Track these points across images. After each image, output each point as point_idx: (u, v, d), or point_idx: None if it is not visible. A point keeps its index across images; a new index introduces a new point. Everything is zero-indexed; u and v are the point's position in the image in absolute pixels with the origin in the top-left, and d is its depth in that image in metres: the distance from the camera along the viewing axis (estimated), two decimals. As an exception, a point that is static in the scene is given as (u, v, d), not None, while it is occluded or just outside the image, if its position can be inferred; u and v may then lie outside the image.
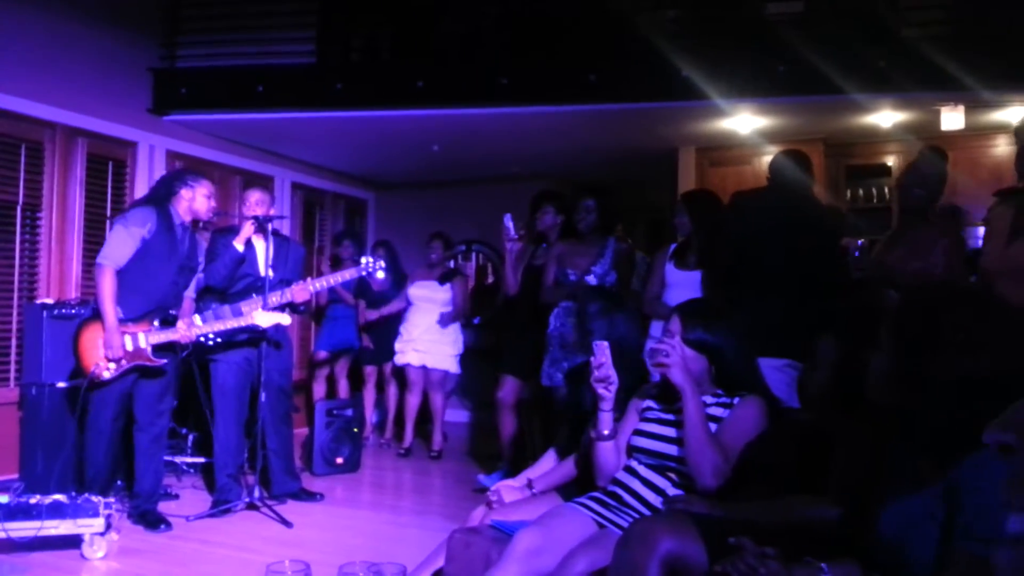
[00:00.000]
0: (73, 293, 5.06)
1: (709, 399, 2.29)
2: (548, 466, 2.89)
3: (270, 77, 5.49)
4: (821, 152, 5.51)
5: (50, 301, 4.64)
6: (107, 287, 3.73)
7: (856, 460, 1.79)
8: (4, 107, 4.74)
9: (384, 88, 5.38)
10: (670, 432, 2.27)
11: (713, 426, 2.21)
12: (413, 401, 5.96)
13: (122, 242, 3.79)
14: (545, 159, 6.60)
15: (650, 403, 2.41)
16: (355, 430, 5.28)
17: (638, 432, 2.35)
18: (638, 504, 2.24)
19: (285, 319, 4.07)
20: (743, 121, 5.31)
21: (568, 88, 4.98)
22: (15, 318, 4.80)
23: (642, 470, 2.28)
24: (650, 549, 1.74)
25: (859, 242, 3.55)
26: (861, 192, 5.95)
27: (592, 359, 2.35)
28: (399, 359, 5.89)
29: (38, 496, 3.37)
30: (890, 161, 5.77)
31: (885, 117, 5.19)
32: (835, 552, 1.60)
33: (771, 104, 4.98)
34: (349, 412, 5.28)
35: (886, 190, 5.78)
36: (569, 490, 2.59)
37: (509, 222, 4.48)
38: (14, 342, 4.79)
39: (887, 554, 1.47)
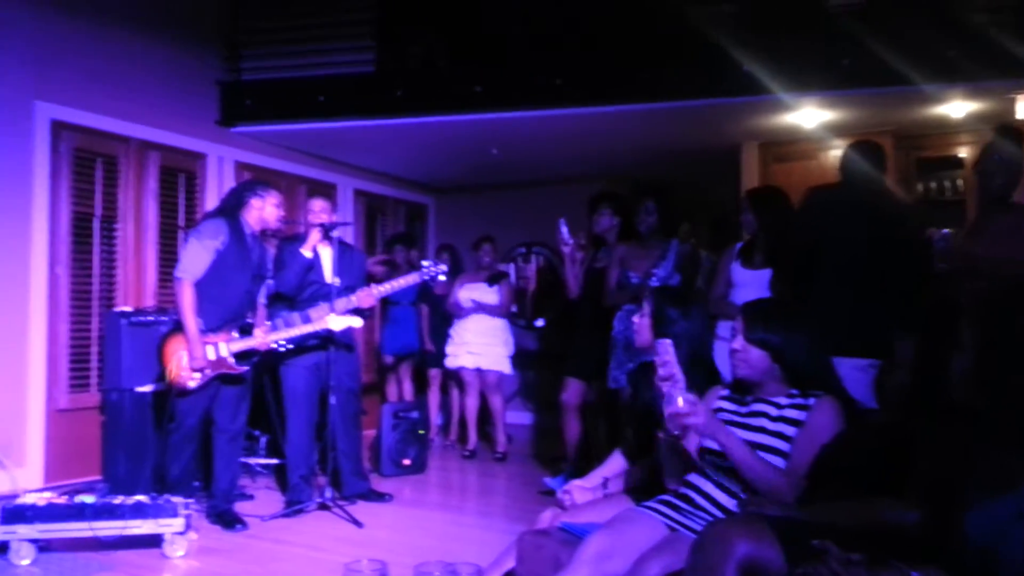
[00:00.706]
0: (149, 301, 5.25)
1: (783, 400, 2.26)
2: (616, 467, 2.88)
3: (331, 87, 5.60)
4: (891, 145, 5.34)
5: (128, 309, 4.83)
6: (187, 300, 3.86)
7: (939, 462, 1.74)
8: (81, 123, 4.95)
9: (442, 94, 5.44)
10: (742, 434, 2.24)
11: (791, 429, 2.17)
12: (471, 403, 6.01)
13: (197, 255, 3.92)
14: (603, 159, 6.58)
15: (721, 404, 2.38)
16: (421, 432, 5.36)
17: (709, 434, 2.32)
18: (710, 507, 2.22)
19: (357, 321, 4.16)
20: (808, 115, 5.20)
21: (626, 87, 4.95)
22: (95, 326, 5.00)
23: (714, 472, 2.26)
24: (726, 552, 1.72)
25: (943, 232, 3.42)
26: (933, 185, 5.76)
27: (656, 358, 2.33)
28: (451, 362, 5.95)
29: (121, 497, 3.52)
30: (963, 153, 5.56)
31: (956, 107, 5.01)
32: (920, 557, 1.56)
33: (837, 97, 4.86)
34: (415, 414, 5.35)
35: (959, 183, 5.58)
36: (639, 493, 2.58)
37: (564, 227, 4.49)
38: (95, 349, 4.99)
39: (976, 558, 1.43)
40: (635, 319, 2.85)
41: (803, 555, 1.70)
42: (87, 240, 5.02)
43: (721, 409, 2.37)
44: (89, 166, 5.03)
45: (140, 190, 5.31)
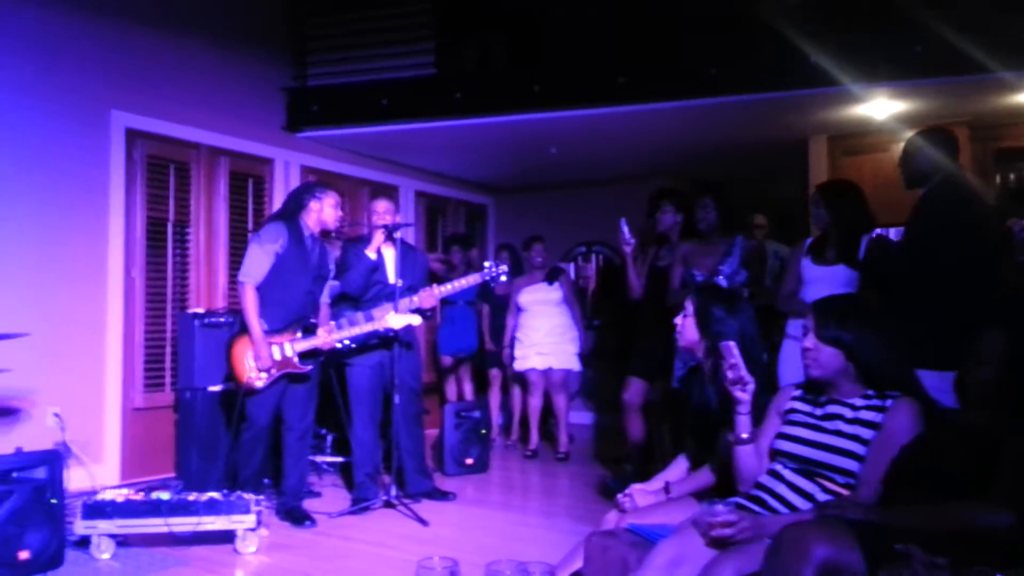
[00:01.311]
0: (221, 303, 5.40)
1: (858, 401, 2.18)
2: (680, 471, 2.84)
3: (393, 90, 5.68)
4: (967, 136, 5.14)
5: (200, 311, 4.97)
6: (250, 303, 3.96)
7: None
8: (154, 131, 5.13)
9: (501, 94, 5.45)
10: (817, 436, 2.17)
11: (868, 432, 2.10)
12: (535, 403, 6.00)
13: (258, 259, 4.01)
14: (665, 156, 6.51)
15: (794, 404, 2.32)
16: (483, 432, 5.38)
17: (782, 436, 2.26)
18: (784, 509, 2.16)
19: (415, 319, 4.19)
20: (879, 106, 5.05)
21: (689, 82, 4.88)
22: (169, 327, 5.17)
23: (787, 474, 2.20)
24: (804, 556, 1.67)
25: None
26: (1012, 176, 5.52)
27: (723, 361, 2.29)
28: (519, 365, 5.95)
29: (195, 493, 3.61)
30: (1043, 142, 5.33)
31: (1036, 95, 4.80)
32: (1008, 561, 1.50)
33: (909, 87, 4.70)
34: (476, 414, 5.38)
35: (1041, 173, 5.35)
36: (707, 495, 2.53)
37: (625, 226, 4.45)
38: (168, 350, 5.15)
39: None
40: (678, 319, 2.78)
41: (885, 559, 1.65)
42: (161, 244, 5.19)
43: (794, 410, 2.31)
44: (162, 172, 5.20)
45: (211, 195, 5.47)
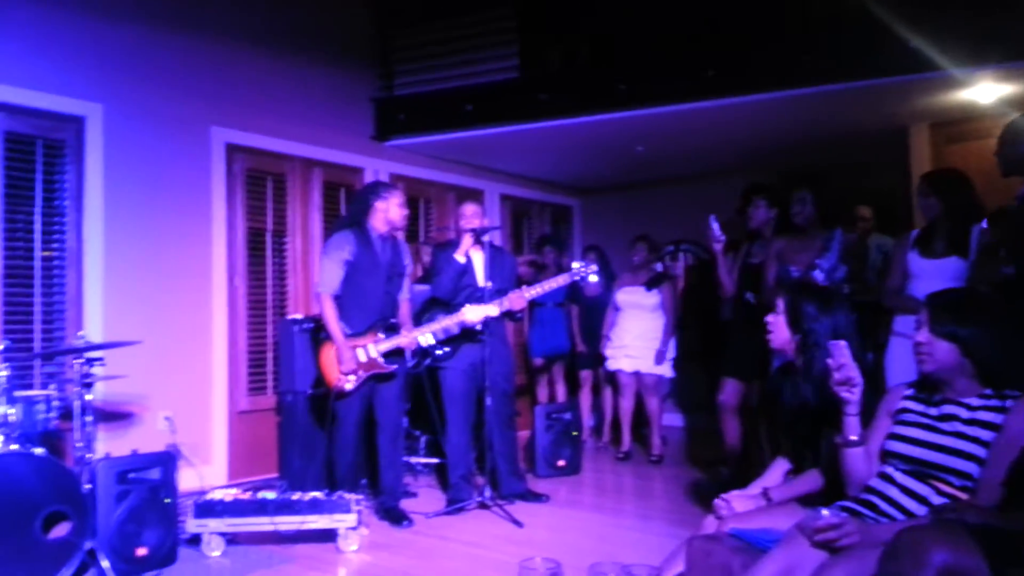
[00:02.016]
0: (317, 309, 5.55)
1: (974, 400, 2.07)
2: (779, 474, 2.75)
3: (477, 95, 5.74)
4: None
5: (299, 316, 5.14)
6: (329, 311, 4.09)
7: None
8: (252, 144, 5.34)
9: (585, 94, 5.43)
10: (933, 437, 2.08)
11: (988, 433, 1.99)
12: (627, 405, 5.94)
13: (329, 270, 4.13)
14: (755, 149, 6.34)
15: (906, 404, 2.22)
16: (574, 433, 5.36)
17: (893, 436, 2.17)
18: (897, 513, 2.07)
19: (492, 310, 4.21)
20: (984, 90, 4.78)
21: (781, 73, 4.74)
22: (270, 333, 5.36)
23: (899, 477, 2.11)
24: (922, 561, 1.60)
25: None
26: None
27: (831, 361, 2.21)
28: (611, 365, 5.91)
29: (298, 493, 3.73)
30: None
31: None
32: None
33: (1016, 69, 4.44)
34: (567, 416, 5.37)
35: None
36: (814, 499, 2.45)
37: (715, 223, 4.36)
38: (270, 354, 5.35)
39: None
40: (769, 318, 2.69)
41: (1010, 564, 1.56)
42: (260, 253, 5.39)
43: (906, 410, 2.21)
44: (260, 184, 5.40)
45: (306, 205, 5.65)
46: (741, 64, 4.89)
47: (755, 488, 2.68)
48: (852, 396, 2.20)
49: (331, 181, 5.82)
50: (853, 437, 2.22)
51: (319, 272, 4.22)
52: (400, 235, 4.47)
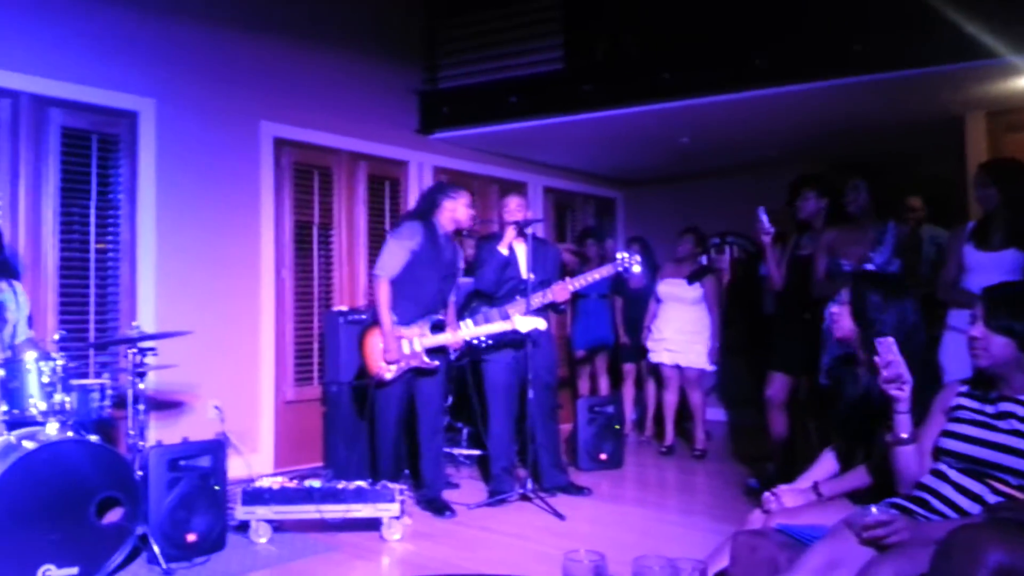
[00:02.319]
0: (361, 301, 5.64)
1: (1032, 397, 2.01)
2: (828, 468, 2.70)
3: (521, 87, 5.72)
4: None
5: (344, 308, 5.21)
6: (383, 296, 4.10)
7: None
8: (299, 139, 5.40)
9: (630, 85, 5.37)
10: (989, 435, 2.01)
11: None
12: (670, 399, 5.89)
13: (394, 254, 4.15)
14: (802, 141, 6.21)
15: (961, 401, 2.16)
16: (616, 427, 5.33)
17: (947, 434, 2.11)
18: (950, 511, 2.01)
19: (541, 323, 4.22)
20: (1046, 78, 4.62)
21: (831, 61, 4.62)
22: (316, 324, 5.44)
23: (953, 474, 2.05)
24: (977, 560, 1.55)
25: None
26: None
27: (877, 358, 2.16)
28: (652, 357, 5.87)
29: (344, 482, 3.78)
30: None
31: None
32: None
33: (1083, 54, 4.27)
34: (610, 409, 5.34)
35: None
36: (863, 496, 2.40)
37: (763, 215, 4.29)
38: (315, 345, 5.43)
39: None
40: (832, 308, 2.64)
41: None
42: (307, 246, 5.47)
43: (961, 407, 2.15)
44: (307, 178, 5.47)
45: (351, 198, 5.71)
46: (790, 52, 4.78)
47: (804, 482, 2.63)
48: (902, 393, 2.15)
49: (376, 174, 5.87)
50: (904, 435, 2.17)
51: (382, 255, 4.22)
52: (463, 239, 4.50)
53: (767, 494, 2.53)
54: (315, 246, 5.51)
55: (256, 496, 3.66)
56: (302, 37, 5.44)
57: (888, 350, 2.13)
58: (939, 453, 2.12)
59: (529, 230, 4.37)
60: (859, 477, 2.47)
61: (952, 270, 3.41)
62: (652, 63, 5.31)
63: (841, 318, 2.56)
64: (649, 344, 5.89)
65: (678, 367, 5.76)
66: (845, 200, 4.11)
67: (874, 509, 1.96)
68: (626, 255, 4.48)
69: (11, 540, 2.88)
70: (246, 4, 5.18)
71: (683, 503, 4.58)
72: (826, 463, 2.73)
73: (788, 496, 2.52)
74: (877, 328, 2.44)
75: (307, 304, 5.45)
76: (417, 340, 4.14)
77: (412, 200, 5.99)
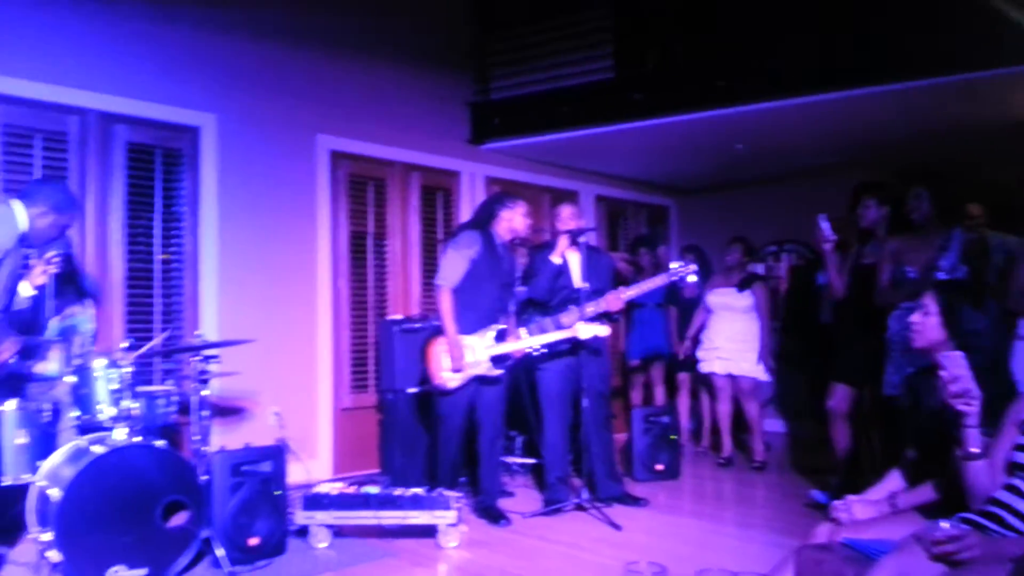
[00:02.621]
0: (415, 309, 5.69)
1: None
2: (894, 486, 2.62)
3: (572, 97, 5.73)
4: None
5: (398, 317, 5.27)
6: (446, 305, 4.13)
7: None
8: (354, 151, 5.50)
9: (683, 92, 5.33)
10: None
11: None
12: (724, 409, 5.80)
13: (454, 264, 4.18)
14: (863, 145, 6.08)
15: (1034, 416, 2.09)
16: (672, 437, 5.28)
17: (1021, 447, 2.04)
18: (1025, 527, 1.95)
19: (603, 330, 4.20)
20: (1121, 78, 4.44)
21: (893, 65, 4.51)
22: (371, 333, 5.51)
23: (1030, 488, 1.99)
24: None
25: None
26: None
27: (944, 373, 2.10)
28: (703, 367, 5.79)
29: (401, 489, 3.82)
30: None
31: None
32: None
33: None
34: (666, 419, 5.29)
35: None
36: (932, 509, 2.33)
37: (824, 223, 4.21)
38: (371, 354, 5.49)
39: None
40: (914, 318, 2.57)
41: None
42: (362, 255, 5.55)
43: (1035, 422, 2.08)
44: (362, 189, 5.56)
45: (405, 208, 5.78)
46: (847, 56, 4.70)
47: (874, 493, 2.56)
48: (970, 408, 2.09)
49: (429, 185, 5.94)
50: (974, 450, 2.10)
51: (442, 265, 4.25)
52: (520, 250, 4.52)
53: (836, 503, 2.47)
54: (370, 256, 5.59)
55: (316, 501, 3.72)
56: (357, 51, 5.54)
57: (955, 364, 2.08)
58: (1013, 467, 2.05)
59: (582, 239, 4.36)
60: (932, 491, 2.40)
61: (1023, 278, 3.30)
62: (703, 70, 5.27)
63: (927, 328, 2.50)
64: (700, 354, 5.82)
65: (731, 377, 5.68)
66: (907, 208, 4.02)
67: (945, 524, 1.91)
68: (680, 264, 4.44)
69: (83, 541, 2.98)
70: (302, 21, 5.29)
71: (742, 516, 4.50)
72: (892, 481, 2.65)
73: (859, 507, 2.46)
74: (969, 339, 2.38)
75: (362, 313, 5.53)
76: (481, 349, 4.16)
77: (464, 210, 6.05)
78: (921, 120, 5.32)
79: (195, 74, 4.80)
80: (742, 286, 5.64)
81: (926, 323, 2.51)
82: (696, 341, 5.90)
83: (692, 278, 4.47)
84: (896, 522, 2.33)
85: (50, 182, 3.14)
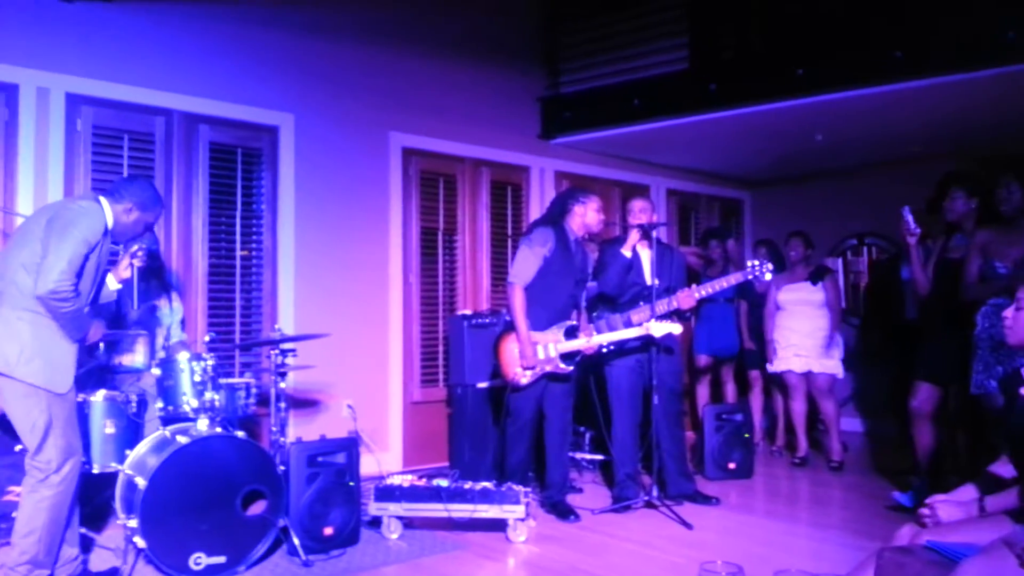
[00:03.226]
0: (484, 305, 5.73)
1: None
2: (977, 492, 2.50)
3: (644, 89, 5.66)
4: None
5: (468, 312, 5.31)
6: (518, 303, 4.13)
7: None
8: (425, 148, 5.56)
9: (760, 82, 5.20)
10: None
11: None
12: (798, 407, 5.62)
13: (527, 261, 4.17)
14: (948, 134, 5.82)
15: None
16: (745, 436, 5.17)
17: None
18: None
19: (676, 328, 4.14)
20: None
21: (980, 51, 4.31)
22: (441, 328, 5.57)
23: None
24: None
25: None
26: None
27: None
28: (777, 366, 5.61)
29: (469, 482, 3.85)
30: None
31: None
32: None
33: None
34: (738, 417, 5.19)
35: None
36: (1022, 513, 2.22)
37: (908, 215, 4.04)
38: (441, 348, 5.56)
39: None
40: (1007, 313, 2.45)
41: None
42: (432, 251, 5.62)
43: None
44: (433, 186, 5.63)
45: (474, 204, 5.82)
46: (931, 41, 4.50)
47: (962, 494, 2.45)
48: None
49: (498, 180, 5.96)
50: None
51: (515, 262, 4.25)
52: (591, 245, 4.50)
53: (925, 507, 2.38)
54: (440, 251, 5.65)
55: (388, 493, 3.79)
56: (428, 49, 5.60)
57: None
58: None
59: (654, 234, 4.31)
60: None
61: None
62: (782, 59, 5.13)
63: (1019, 324, 2.39)
64: (771, 351, 5.65)
65: (806, 374, 5.51)
66: (997, 200, 3.83)
67: None
68: (756, 263, 4.33)
69: (167, 528, 3.10)
70: (373, 19, 5.38)
71: (817, 516, 4.38)
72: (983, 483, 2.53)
73: (945, 508, 2.36)
74: None
75: (432, 308, 5.59)
76: (552, 346, 4.16)
77: (534, 205, 6.05)
78: (1008, 107, 5.06)
79: (274, 75, 4.93)
80: (814, 279, 5.48)
81: (1019, 318, 2.39)
82: (767, 340, 5.75)
83: (768, 276, 4.36)
84: (983, 526, 2.23)
85: (137, 180, 3.25)
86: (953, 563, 2.00)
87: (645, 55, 5.73)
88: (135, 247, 3.15)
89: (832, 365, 5.45)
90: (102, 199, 3.02)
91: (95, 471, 3.33)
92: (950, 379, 3.98)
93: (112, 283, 3.16)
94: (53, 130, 4.17)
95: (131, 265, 3.17)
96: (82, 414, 3.22)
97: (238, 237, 4.81)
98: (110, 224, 2.98)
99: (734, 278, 4.44)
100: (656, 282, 4.24)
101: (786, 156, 6.70)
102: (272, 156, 4.92)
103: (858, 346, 6.81)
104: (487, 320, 5.10)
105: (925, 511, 2.35)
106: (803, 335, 5.47)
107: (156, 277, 4.08)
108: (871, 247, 7.18)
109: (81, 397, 3.22)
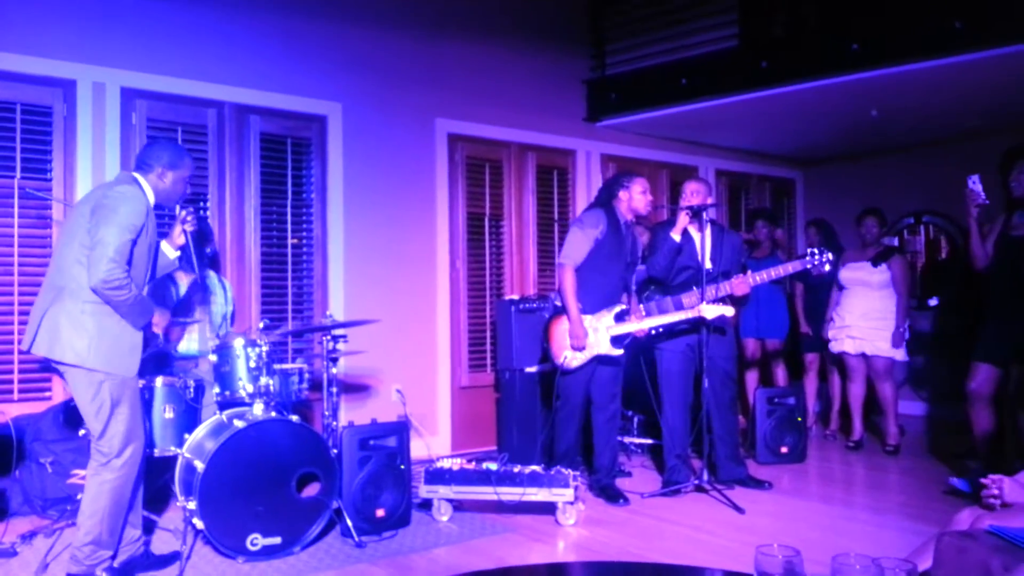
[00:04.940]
0: (531, 289, 5.73)
1: None
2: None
3: (693, 68, 5.57)
4: None
5: (515, 297, 5.32)
6: (568, 284, 4.12)
7: None
8: (471, 133, 5.57)
9: (812, 58, 5.08)
10: None
11: None
12: (856, 391, 5.51)
13: (579, 243, 4.15)
14: (1011, 108, 5.60)
15: None
16: (798, 419, 5.09)
17: None
18: None
19: (729, 310, 4.08)
20: None
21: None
22: (488, 313, 5.59)
23: None
24: None
25: None
26: None
27: None
28: (834, 347, 5.50)
29: (518, 466, 3.86)
30: None
31: None
32: None
33: None
34: (791, 400, 5.11)
35: None
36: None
37: (975, 185, 3.89)
38: (488, 333, 5.58)
39: None
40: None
41: None
42: (479, 237, 5.63)
43: None
44: (479, 171, 5.63)
45: (520, 189, 5.81)
46: (993, 11, 4.33)
47: None
48: None
49: (544, 164, 5.94)
50: None
51: (566, 243, 4.23)
52: (639, 228, 4.47)
53: (987, 481, 2.32)
54: (487, 237, 5.67)
55: (438, 476, 3.83)
56: (472, 34, 5.59)
57: None
58: None
59: (705, 216, 4.25)
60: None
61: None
62: (836, 34, 5.00)
63: None
64: (831, 333, 5.53)
65: (864, 356, 5.39)
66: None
67: None
68: (816, 252, 4.24)
69: (225, 510, 3.18)
70: (418, 6, 5.39)
71: (873, 500, 4.29)
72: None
73: (1011, 486, 2.30)
74: None
75: (479, 293, 5.61)
76: (603, 329, 4.15)
77: (579, 188, 6.02)
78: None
79: (322, 65, 4.99)
80: (877, 260, 5.32)
81: None
82: (826, 319, 5.62)
83: (828, 268, 4.26)
84: (1050, 512, 2.16)
85: (155, 143, 3.24)
86: (1018, 548, 1.95)
87: (693, 33, 5.64)
88: (183, 212, 3.17)
89: (891, 348, 5.30)
90: (136, 175, 3.03)
91: (155, 454, 3.43)
92: (1010, 360, 3.85)
93: (170, 251, 3.17)
94: (109, 124, 4.29)
95: (184, 232, 3.19)
96: (143, 399, 3.31)
97: (289, 226, 4.89)
98: (151, 199, 2.99)
99: (791, 267, 4.35)
100: (709, 266, 4.18)
101: (840, 134, 6.53)
102: (321, 145, 4.98)
103: (917, 327, 6.64)
104: (534, 305, 5.11)
105: (989, 489, 2.28)
106: (859, 316, 5.33)
107: (204, 243, 4.12)
108: (928, 226, 6.97)
109: (142, 383, 3.31)
